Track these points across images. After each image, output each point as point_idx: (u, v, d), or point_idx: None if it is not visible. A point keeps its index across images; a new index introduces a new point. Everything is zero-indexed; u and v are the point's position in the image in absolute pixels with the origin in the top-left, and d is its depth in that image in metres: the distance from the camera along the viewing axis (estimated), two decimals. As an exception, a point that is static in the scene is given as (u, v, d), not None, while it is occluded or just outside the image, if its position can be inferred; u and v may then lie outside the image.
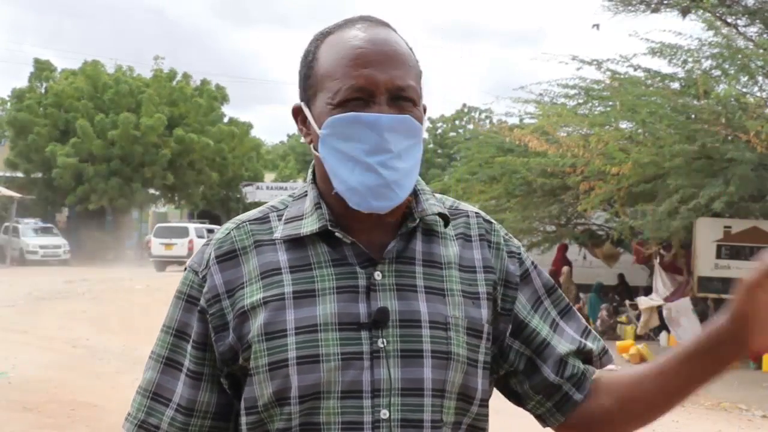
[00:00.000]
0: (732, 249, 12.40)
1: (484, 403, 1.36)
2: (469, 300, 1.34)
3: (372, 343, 1.26)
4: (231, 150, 36.09)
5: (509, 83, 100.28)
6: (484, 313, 1.35)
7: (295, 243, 1.32)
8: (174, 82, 36.69)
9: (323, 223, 1.30)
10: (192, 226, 31.33)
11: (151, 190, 35.92)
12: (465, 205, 1.46)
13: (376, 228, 1.32)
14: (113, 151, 32.84)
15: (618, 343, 13.32)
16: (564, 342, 1.42)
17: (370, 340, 1.26)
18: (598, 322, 15.03)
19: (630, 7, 15.31)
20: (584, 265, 17.99)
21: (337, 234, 1.30)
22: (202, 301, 1.32)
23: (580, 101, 15.32)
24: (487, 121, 32.11)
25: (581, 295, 16.45)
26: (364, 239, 1.31)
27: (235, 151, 36.68)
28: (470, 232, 1.40)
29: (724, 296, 12.39)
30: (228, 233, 1.36)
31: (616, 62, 13.42)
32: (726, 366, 1.27)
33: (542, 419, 1.46)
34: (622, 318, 15.33)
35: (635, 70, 13.41)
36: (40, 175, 34.62)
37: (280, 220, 1.36)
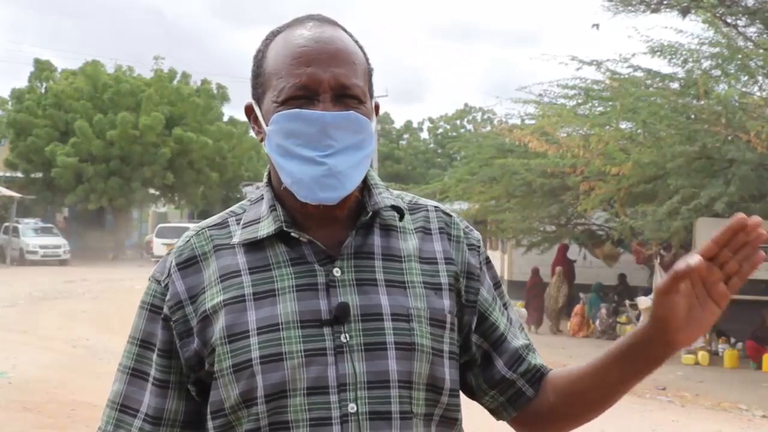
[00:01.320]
0: (732, 249, 12.38)
1: (455, 393, 1.37)
2: (431, 290, 1.35)
3: (335, 339, 1.27)
4: (230, 150, 36.10)
5: (508, 83, 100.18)
6: (447, 303, 1.36)
7: (253, 246, 1.33)
8: (174, 82, 36.70)
9: (279, 224, 1.32)
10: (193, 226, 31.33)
11: (151, 190, 35.92)
12: (425, 200, 1.46)
13: (332, 225, 1.33)
14: (113, 151, 32.84)
15: (618, 343, 13.34)
16: (518, 337, 1.44)
17: (333, 335, 1.27)
18: (598, 322, 15.03)
19: (630, 7, 15.32)
20: (584, 265, 17.99)
21: (293, 234, 1.31)
22: (165, 309, 1.33)
23: (580, 101, 15.32)
24: (488, 122, 32.13)
25: (581, 295, 16.45)
26: (321, 237, 1.32)
27: (235, 151, 36.68)
28: (430, 226, 1.41)
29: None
30: (188, 240, 1.37)
31: (615, 62, 13.44)
32: (656, 365, 1.30)
33: (495, 413, 1.46)
34: (622, 318, 15.34)
35: (635, 70, 13.42)
36: (40, 175, 34.62)
37: (238, 224, 1.37)
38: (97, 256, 34.24)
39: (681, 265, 1.23)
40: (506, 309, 1.46)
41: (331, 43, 1.31)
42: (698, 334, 1.27)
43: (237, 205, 1.43)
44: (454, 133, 50.26)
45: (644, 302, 14.18)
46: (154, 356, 1.34)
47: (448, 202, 19.61)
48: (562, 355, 12.92)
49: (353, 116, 1.28)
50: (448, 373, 1.34)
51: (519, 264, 20.64)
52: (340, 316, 1.27)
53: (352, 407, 1.25)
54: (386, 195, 1.39)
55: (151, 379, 1.35)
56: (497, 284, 1.46)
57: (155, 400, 1.34)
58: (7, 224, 32.15)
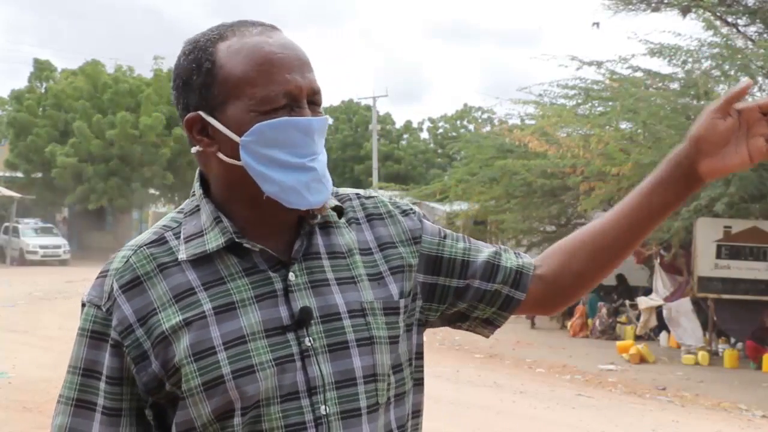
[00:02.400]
0: (732, 249, 12.40)
1: (418, 356, 1.41)
2: (375, 282, 1.36)
3: (300, 343, 1.28)
4: (231, 150, 36.10)
5: (506, 83, 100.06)
6: (393, 288, 1.37)
7: (201, 260, 1.30)
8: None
9: (228, 236, 1.29)
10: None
11: (151, 190, 35.90)
12: (344, 190, 1.47)
13: (278, 231, 1.33)
14: (112, 151, 32.82)
15: (618, 343, 13.34)
16: (483, 252, 1.46)
17: (297, 340, 1.28)
18: (597, 322, 15.03)
19: (630, 6, 15.31)
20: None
21: (245, 244, 1.29)
22: (113, 335, 1.28)
23: (580, 101, 15.32)
24: (489, 122, 32.10)
25: (581, 295, 16.43)
26: (268, 244, 1.31)
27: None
28: (357, 215, 1.43)
29: (724, 296, 12.40)
30: (126, 261, 1.31)
31: (615, 63, 13.44)
32: (682, 194, 1.37)
33: (488, 322, 1.49)
34: (622, 318, 15.34)
35: (635, 71, 13.43)
36: (39, 175, 34.61)
37: (177, 239, 1.33)
38: (97, 256, 34.22)
39: (736, 89, 1.32)
40: (459, 240, 1.47)
41: (297, 49, 1.32)
42: (721, 172, 1.33)
43: (168, 218, 1.38)
44: (454, 133, 50.25)
45: (644, 302, 14.19)
46: (102, 384, 1.29)
47: (448, 202, 19.63)
48: (562, 355, 12.93)
49: (326, 121, 1.32)
50: (406, 345, 1.38)
51: (519, 264, 20.62)
52: (302, 321, 1.28)
53: (323, 409, 1.27)
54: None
55: (99, 409, 1.29)
56: (439, 231, 1.47)
57: (106, 429, 1.29)
58: (7, 224, 32.15)
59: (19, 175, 35.10)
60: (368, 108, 52.99)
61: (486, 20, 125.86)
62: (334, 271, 1.34)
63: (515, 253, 1.50)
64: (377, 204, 1.45)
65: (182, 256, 1.31)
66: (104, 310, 1.29)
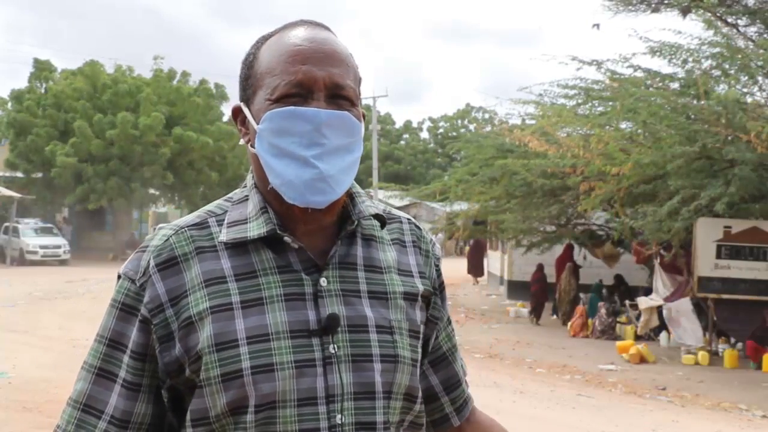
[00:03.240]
0: (732, 249, 12.40)
1: (422, 401, 1.42)
2: (408, 302, 1.37)
3: (324, 350, 1.27)
4: (231, 149, 36.08)
5: (506, 83, 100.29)
6: (419, 314, 1.39)
7: (237, 250, 1.30)
8: (174, 82, 36.69)
9: (271, 227, 1.29)
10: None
11: (151, 190, 35.88)
12: (397, 212, 1.47)
13: (317, 233, 1.32)
14: (112, 151, 32.80)
15: (618, 343, 13.34)
16: (458, 361, 1.53)
17: (322, 346, 1.27)
18: (597, 322, 15.03)
19: (630, 7, 15.31)
20: (584, 265, 18.00)
21: (285, 238, 1.29)
22: (143, 311, 1.28)
23: (580, 101, 15.32)
24: (489, 122, 32.09)
25: (581, 295, 16.45)
26: (306, 244, 1.30)
27: (235, 151, 36.65)
28: (404, 238, 1.43)
29: (724, 296, 12.40)
30: (167, 240, 1.31)
31: (615, 62, 13.43)
32: None
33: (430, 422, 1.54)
34: (622, 318, 15.34)
35: (635, 70, 13.42)
36: (39, 175, 34.60)
37: (220, 225, 1.33)
38: (97, 256, 34.23)
39: None
40: (452, 331, 1.52)
41: (326, 44, 1.30)
42: None
43: (214, 204, 1.39)
44: (454, 133, 50.26)
45: (644, 302, 14.19)
46: (125, 358, 1.30)
47: (448, 202, 19.63)
48: (562, 355, 12.92)
49: (347, 116, 1.28)
50: (419, 383, 1.39)
51: (519, 264, 20.65)
52: (329, 327, 1.27)
53: (339, 418, 1.26)
54: (369, 203, 1.38)
55: (120, 381, 1.30)
56: (448, 317, 1.53)
57: (124, 402, 1.30)
58: (7, 224, 32.14)
59: (19, 175, 35.09)
60: (367, 108, 53.00)
61: (485, 20, 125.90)
62: (368, 284, 1.33)
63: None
64: (421, 237, 1.47)
65: (222, 238, 1.30)
66: (138, 284, 1.29)
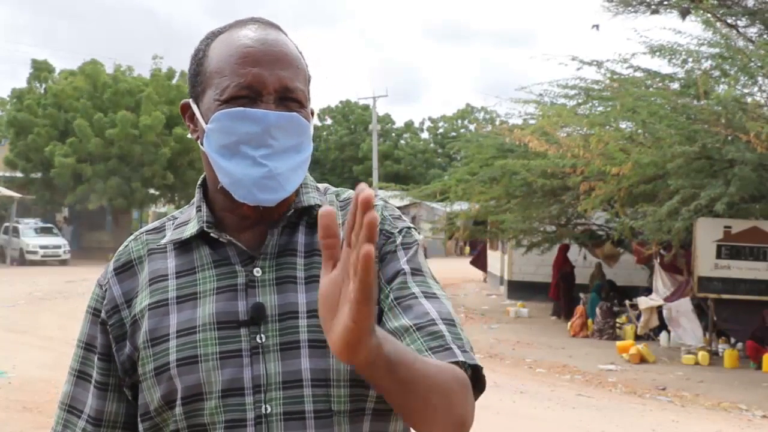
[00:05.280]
0: (732, 249, 12.40)
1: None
2: None
3: (251, 340, 1.26)
4: (231, 150, 36.08)
5: (505, 83, 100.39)
6: None
7: (182, 248, 1.35)
8: (173, 81, 36.68)
9: (200, 225, 1.33)
10: None
11: (151, 190, 35.87)
12: (351, 192, 1.42)
13: (258, 225, 1.33)
14: (112, 151, 32.79)
15: (618, 343, 13.34)
16: (402, 318, 1.27)
17: (249, 336, 1.26)
18: (595, 322, 15.05)
19: (630, 8, 15.32)
20: (584, 265, 18.00)
21: (212, 234, 1.32)
22: (102, 313, 1.36)
23: (580, 101, 15.32)
24: (490, 122, 32.08)
25: (581, 295, 16.46)
26: (248, 238, 1.32)
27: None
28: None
29: (724, 296, 12.40)
30: (127, 245, 1.41)
31: (615, 62, 13.44)
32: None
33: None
34: (622, 318, 15.35)
35: (635, 70, 13.42)
36: (39, 175, 34.61)
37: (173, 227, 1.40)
38: (97, 256, 34.23)
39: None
40: (398, 291, 1.29)
41: (276, 46, 1.31)
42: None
43: (181, 210, 1.44)
44: (454, 133, 50.27)
45: (644, 302, 14.19)
46: (95, 359, 1.37)
47: (448, 202, 19.63)
48: (562, 354, 12.92)
49: (296, 118, 1.28)
50: None
51: (519, 264, 20.64)
52: (255, 317, 1.27)
53: (266, 408, 1.24)
54: (313, 195, 1.38)
55: (93, 381, 1.37)
56: (416, 271, 1.32)
57: (96, 402, 1.36)
58: (7, 224, 32.15)
59: (19, 174, 35.09)
60: (366, 108, 52.97)
61: (484, 20, 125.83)
62: (306, 269, 1.31)
63: (439, 346, 1.24)
64: (384, 221, 1.39)
65: (163, 240, 1.37)
66: (103, 289, 1.38)
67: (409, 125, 56.95)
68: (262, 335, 1.26)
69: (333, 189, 1.45)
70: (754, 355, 11.72)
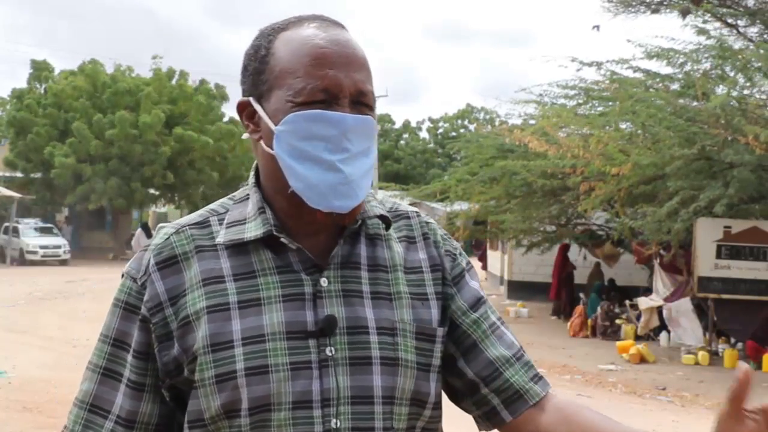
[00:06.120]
0: (732, 249, 12.40)
1: (437, 406, 1.34)
2: (418, 302, 1.32)
3: (320, 352, 1.24)
4: (231, 149, 36.06)
5: (504, 83, 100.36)
6: (434, 313, 1.33)
7: (237, 249, 1.29)
8: (173, 81, 36.67)
9: (267, 228, 1.27)
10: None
11: (151, 190, 35.85)
12: (405, 206, 1.44)
13: (320, 233, 1.30)
14: (112, 151, 32.78)
15: (618, 343, 13.34)
16: (498, 347, 1.36)
17: (318, 348, 1.24)
18: (595, 321, 15.06)
19: (630, 8, 15.33)
20: (584, 265, 18.00)
21: (282, 240, 1.27)
22: (143, 310, 1.28)
23: (581, 102, 15.33)
24: (490, 122, 32.08)
25: (581, 295, 16.47)
26: (307, 244, 1.28)
27: (235, 151, 36.63)
28: (413, 234, 1.39)
29: (724, 296, 12.40)
30: (167, 238, 1.31)
31: (615, 63, 13.45)
32: None
33: (476, 422, 1.41)
34: (622, 318, 15.35)
35: (635, 71, 13.43)
36: (39, 175, 34.60)
37: (221, 224, 1.32)
38: (97, 256, 34.22)
39: (735, 385, 1.15)
40: (487, 318, 1.39)
41: (349, 47, 1.28)
42: None
43: (218, 203, 1.38)
44: (454, 133, 50.27)
45: (644, 302, 14.20)
46: (129, 357, 1.29)
47: (449, 202, 19.63)
48: (563, 354, 12.93)
49: (369, 121, 1.27)
50: (434, 387, 1.32)
51: (519, 264, 20.64)
52: (326, 329, 1.24)
53: (334, 423, 1.23)
54: (375, 204, 1.37)
55: (124, 381, 1.29)
56: (482, 298, 1.41)
57: (129, 402, 1.29)
58: (7, 224, 32.13)
59: (19, 174, 35.08)
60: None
61: (483, 21, 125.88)
62: (371, 284, 1.30)
63: (534, 375, 1.37)
64: (430, 230, 1.41)
65: (220, 240, 1.29)
66: (139, 283, 1.29)
67: (407, 125, 56.98)
68: (332, 348, 1.24)
69: (390, 201, 1.43)
70: (754, 355, 11.72)
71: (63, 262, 30.96)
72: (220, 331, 1.23)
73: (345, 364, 1.24)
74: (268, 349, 1.22)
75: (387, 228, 1.36)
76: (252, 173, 1.36)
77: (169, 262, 1.29)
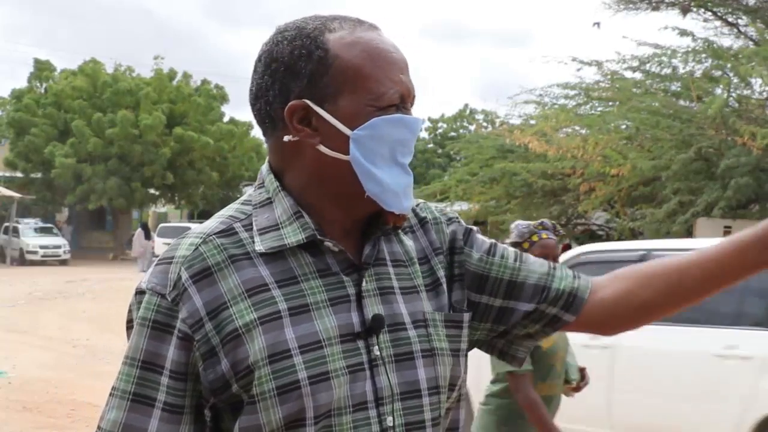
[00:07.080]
0: (732, 249, 12.39)
1: (461, 387, 1.38)
2: (432, 292, 1.34)
3: (369, 352, 1.24)
4: (231, 150, 36.08)
5: (503, 83, 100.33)
6: (457, 294, 1.36)
7: (273, 256, 1.24)
8: (174, 82, 36.69)
9: (310, 232, 1.24)
10: (195, 226, 31.31)
11: (151, 190, 35.89)
12: (423, 203, 1.45)
13: (351, 234, 1.30)
14: (112, 151, 32.81)
15: (618, 343, 13.33)
16: (534, 273, 1.40)
17: (367, 348, 1.24)
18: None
19: (631, 5, 15.33)
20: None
21: (327, 243, 1.25)
22: (182, 327, 1.19)
23: (581, 101, 15.34)
24: (490, 123, 32.10)
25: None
26: (345, 246, 1.28)
27: (235, 151, 36.66)
28: (411, 222, 1.40)
29: (723, 297, 12.40)
30: (195, 249, 1.23)
31: (614, 62, 13.47)
32: (748, 272, 1.32)
33: (529, 336, 1.43)
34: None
35: (634, 72, 13.45)
36: (39, 175, 34.62)
37: (248, 230, 1.26)
38: (97, 256, 34.24)
39: None
40: (509, 257, 1.40)
41: (402, 53, 1.32)
42: None
43: (233, 208, 1.32)
44: (454, 134, 50.29)
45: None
46: (164, 379, 1.20)
47: (449, 202, 19.64)
48: (562, 355, 12.91)
49: (421, 124, 1.32)
50: (463, 369, 1.36)
51: (519, 264, 20.63)
52: (373, 329, 1.25)
53: (390, 421, 1.24)
54: None
55: (159, 405, 1.20)
56: (489, 247, 1.42)
57: (166, 427, 1.20)
58: (7, 224, 32.15)
59: (19, 174, 35.11)
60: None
61: (484, 20, 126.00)
62: (398, 280, 1.31)
63: (574, 274, 1.42)
64: (424, 209, 1.43)
65: (259, 248, 1.24)
66: (170, 299, 1.20)
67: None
68: (377, 347, 1.25)
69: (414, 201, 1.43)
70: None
71: (63, 262, 30.99)
72: (275, 341, 1.20)
73: (391, 361, 1.26)
74: (326, 355, 1.21)
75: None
76: (269, 177, 1.32)
77: (204, 274, 1.21)
